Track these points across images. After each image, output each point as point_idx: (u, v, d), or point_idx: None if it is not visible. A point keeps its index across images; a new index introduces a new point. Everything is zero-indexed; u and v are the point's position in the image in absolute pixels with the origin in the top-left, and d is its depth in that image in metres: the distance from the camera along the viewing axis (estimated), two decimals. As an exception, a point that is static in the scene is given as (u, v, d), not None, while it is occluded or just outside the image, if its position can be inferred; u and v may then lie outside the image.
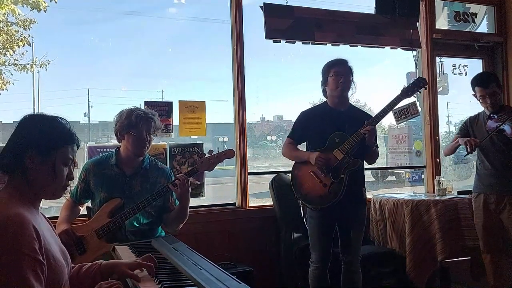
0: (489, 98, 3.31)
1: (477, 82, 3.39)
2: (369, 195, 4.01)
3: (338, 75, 2.91)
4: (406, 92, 2.97)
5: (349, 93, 3.01)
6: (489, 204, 3.37)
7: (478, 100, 3.40)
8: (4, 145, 1.44)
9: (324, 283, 2.91)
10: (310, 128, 3.00)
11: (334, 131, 2.87)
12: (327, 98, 3.04)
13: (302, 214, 3.02)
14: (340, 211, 2.83)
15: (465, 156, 3.47)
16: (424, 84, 3.00)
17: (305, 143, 3.08)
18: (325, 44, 3.97)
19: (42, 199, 1.48)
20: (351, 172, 2.80)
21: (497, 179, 3.35)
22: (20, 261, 1.22)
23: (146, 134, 2.60)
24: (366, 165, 3.00)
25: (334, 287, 2.95)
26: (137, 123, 2.56)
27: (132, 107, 2.66)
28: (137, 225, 2.59)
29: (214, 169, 2.67)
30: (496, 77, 3.53)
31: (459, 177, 4.68)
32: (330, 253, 2.91)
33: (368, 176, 3.64)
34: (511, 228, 3.30)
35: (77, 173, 2.67)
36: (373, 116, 2.90)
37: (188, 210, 2.65)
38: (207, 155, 2.62)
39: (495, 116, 3.27)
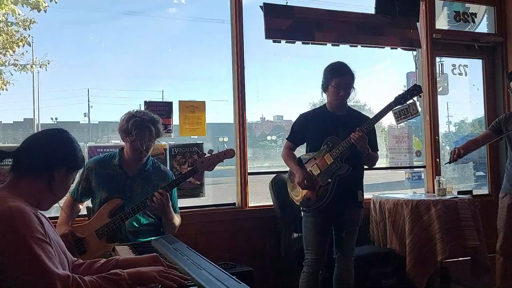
0: None
1: None
2: (369, 195, 4.02)
3: (339, 87, 2.87)
4: (399, 100, 2.88)
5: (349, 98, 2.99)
6: None
7: None
8: (2, 144, 1.45)
9: (314, 286, 2.89)
10: (307, 130, 3.02)
11: (330, 134, 2.88)
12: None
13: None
14: (334, 212, 2.88)
15: (445, 164, 3.39)
16: (419, 92, 2.89)
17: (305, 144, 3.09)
18: (325, 44, 3.97)
19: None
20: (343, 176, 2.79)
21: None
22: (30, 243, 1.25)
23: (141, 143, 2.56)
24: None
25: None
26: (131, 131, 2.54)
27: (134, 111, 2.62)
28: (137, 225, 2.59)
29: (214, 169, 2.66)
30: None
31: (459, 181, 4.65)
32: (325, 255, 2.92)
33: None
34: None
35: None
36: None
37: (174, 221, 2.62)
38: (207, 155, 2.62)
39: None
